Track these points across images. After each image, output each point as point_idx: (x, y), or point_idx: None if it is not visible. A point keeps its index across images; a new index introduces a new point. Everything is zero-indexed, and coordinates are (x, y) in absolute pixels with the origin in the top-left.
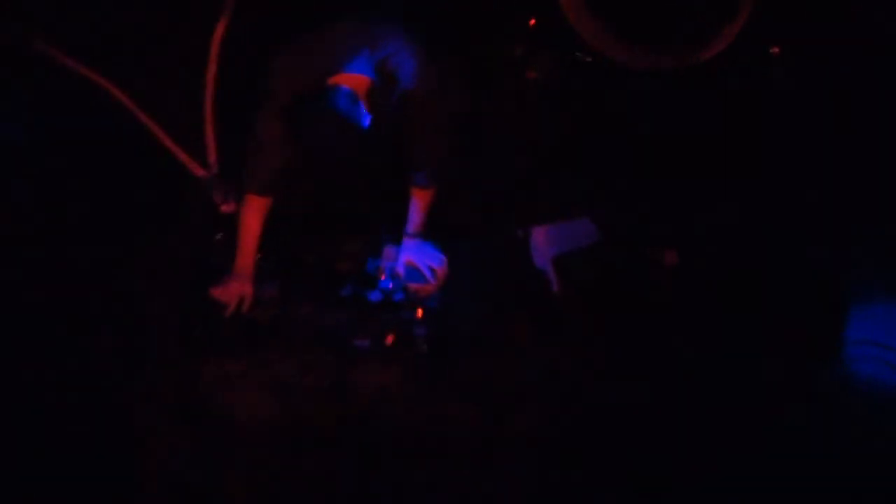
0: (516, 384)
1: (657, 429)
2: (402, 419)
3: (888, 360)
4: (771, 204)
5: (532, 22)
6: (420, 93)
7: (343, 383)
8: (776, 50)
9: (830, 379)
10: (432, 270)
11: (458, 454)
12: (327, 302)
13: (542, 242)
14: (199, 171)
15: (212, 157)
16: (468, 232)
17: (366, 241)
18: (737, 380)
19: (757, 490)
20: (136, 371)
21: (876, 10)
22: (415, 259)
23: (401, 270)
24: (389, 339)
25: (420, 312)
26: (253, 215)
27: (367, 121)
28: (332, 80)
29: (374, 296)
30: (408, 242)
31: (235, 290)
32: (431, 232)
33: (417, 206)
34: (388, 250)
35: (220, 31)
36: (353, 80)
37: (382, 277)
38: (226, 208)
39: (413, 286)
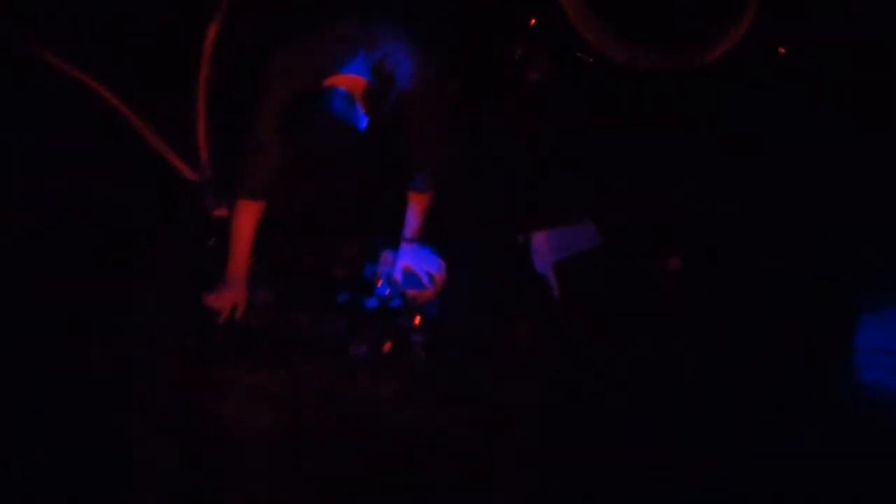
0: (516, 392)
1: (659, 436)
2: (400, 428)
3: None
4: (778, 207)
5: (532, 22)
6: (418, 94)
7: (339, 392)
8: (782, 50)
9: (840, 387)
10: (430, 276)
11: (457, 463)
12: (323, 309)
13: (543, 247)
14: (192, 175)
15: (204, 160)
16: (467, 237)
17: (362, 245)
18: (742, 388)
19: (761, 498)
20: (128, 379)
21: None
22: (412, 264)
23: (398, 276)
24: (387, 347)
25: (418, 319)
26: (246, 220)
27: (363, 123)
28: (328, 82)
29: (371, 302)
30: (405, 247)
31: (229, 297)
32: (429, 237)
33: (415, 211)
34: (386, 255)
35: (212, 32)
36: (349, 81)
37: (379, 283)
38: (218, 213)
39: (411, 292)
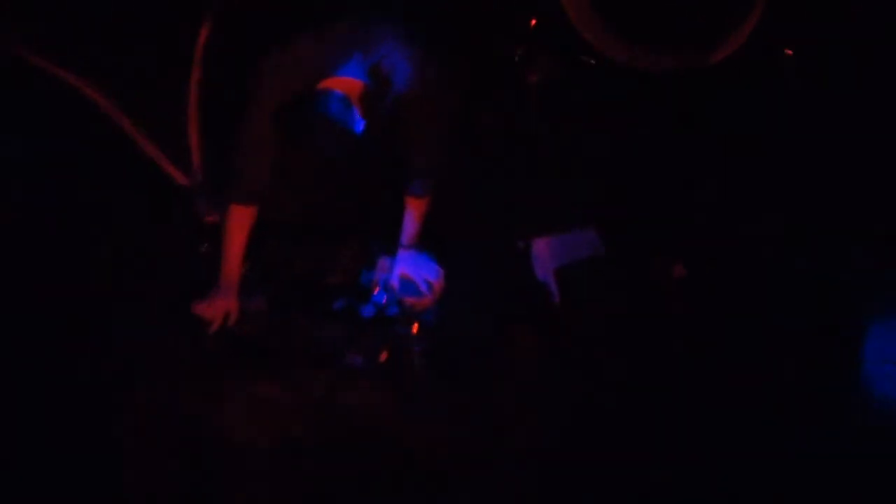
0: (516, 401)
1: (663, 445)
2: (397, 439)
3: None
4: (782, 211)
5: (533, 23)
6: (416, 97)
7: (334, 403)
8: (789, 52)
9: (847, 399)
10: (428, 283)
11: (457, 471)
12: (318, 317)
13: (544, 254)
14: (183, 180)
15: (196, 165)
16: (466, 243)
17: (358, 252)
18: (747, 399)
19: None
20: (119, 388)
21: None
22: (410, 271)
23: (395, 283)
24: (383, 356)
25: (416, 328)
26: (238, 226)
27: (360, 127)
28: (324, 84)
29: (368, 310)
30: (403, 254)
31: (220, 305)
32: (427, 243)
33: (413, 216)
34: (382, 262)
35: (204, 33)
36: (345, 83)
37: (376, 291)
38: (210, 218)
39: (408, 300)
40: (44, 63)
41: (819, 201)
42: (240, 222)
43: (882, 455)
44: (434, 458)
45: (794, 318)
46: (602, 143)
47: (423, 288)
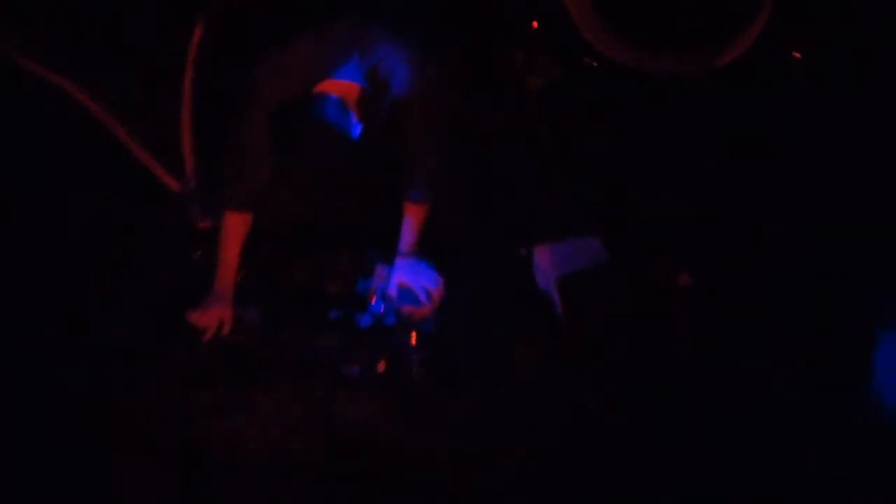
0: (517, 412)
1: (666, 457)
2: (394, 452)
3: None
4: (792, 217)
5: (534, 24)
6: (414, 101)
7: (331, 414)
8: (797, 55)
9: (858, 410)
10: (427, 292)
11: (455, 484)
12: (314, 326)
13: (546, 262)
14: (176, 186)
15: (189, 170)
16: (466, 250)
17: (356, 259)
18: (754, 412)
19: None
20: (110, 399)
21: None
22: (408, 280)
23: (393, 292)
24: (381, 366)
25: (414, 337)
26: (233, 233)
27: (357, 131)
28: (320, 88)
29: (365, 319)
30: (401, 262)
31: (215, 313)
32: (426, 250)
33: (411, 223)
34: (380, 270)
35: (197, 35)
36: (341, 87)
37: (373, 299)
38: (204, 225)
39: (406, 309)
40: (36, 67)
41: (828, 206)
42: (235, 229)
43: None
44: (434, 469)
45: (803, 327)
46: (605, 147)
47: (421, 297)
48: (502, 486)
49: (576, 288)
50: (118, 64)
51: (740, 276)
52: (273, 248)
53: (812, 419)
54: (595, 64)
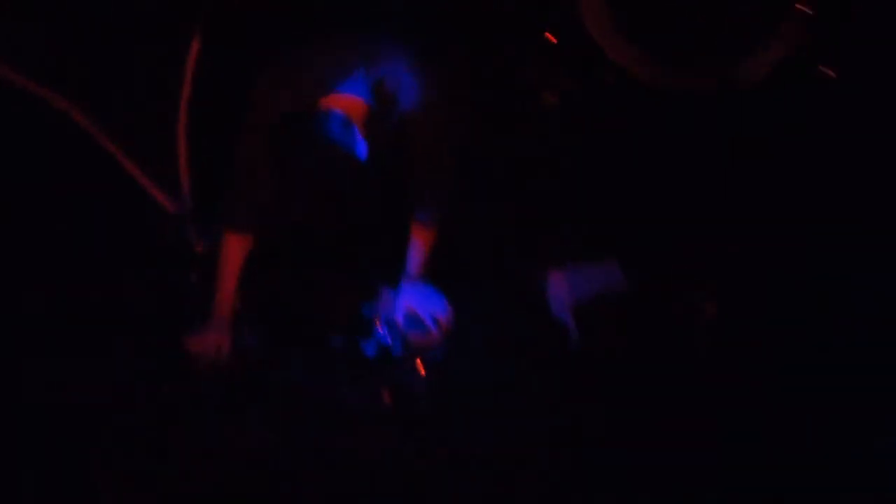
0: (529, 447)
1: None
2: (400, 487)
3: None
4: (831, 247)
5: (549, 37)
6: (423, 118)
7: (334, 447)
8: (831, 73)
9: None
10: (435, 319)
11: None
12: (315, 354)
13: (561, 289)
14: (173, 206)
15: (186, 189)
16: (477, 276)
17: (360, 285)
18: (784, 453)
19: None
20: (97, 431)
21: None
22: (415, 306)
23: (399, 319)
24: (386, 398)
25: (421, 367)
26: (231, 255)
27: (362, 149)
28: (323, 103)
29: (369, 348)
30: (408, 287)
31: (212, 340)
32: (434, 275)
33: (419, 246)
34: (386, 296)
35: (195, 50)
36: (346, 102)
37: (378, 327)
38: (201, 247)
39: (413, 337)
40: (29, 84)
41: (870, 235)
42: (234, 251)
43: None
44: None
45: (840, 364)
46: (625, 167)
47: (429, 324)
48: None
49: (592, 316)
50: (113, 79)
51: (771, 309)
52: (273, 271)
53: (850, 473)
54: (613, 79)
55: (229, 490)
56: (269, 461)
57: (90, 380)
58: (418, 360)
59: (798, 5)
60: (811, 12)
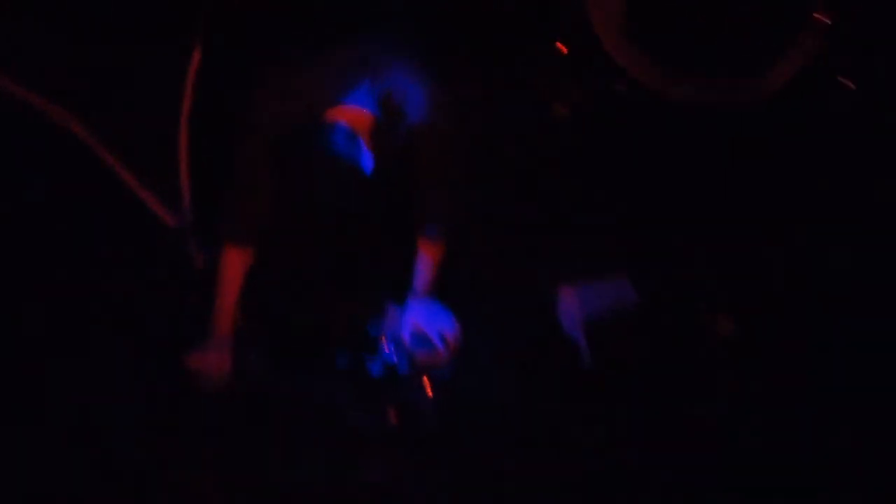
0: (538, 473)
1: None
2: None
3: None
4: (851, 260)
5: (560, 47)
6: (431, 130)
7: (338, 469)
8: (851, 84)
9: None
10: (443, 337)
11: None
12: (319, 373)
13: (572, 305)
14: (172, 220)
15: (186, 202)
16: (485, 292)
17: (365, 302)
18: (801, 472)
19: None
20: (92, 454)
21: None
22: (423, 324)
23: (406, 337)
24: (392, 418)
25: (428, 386)
26: (232, 270)
27: (368, 162)
28: (329, 116)
29: (375, 367)
30: (415, 304)
31: (213, 359)
32: (442, 292)
33: (426, 262)
34: (392, 313)
35: (195, 59)
36: (352, 114)
37: (384, 345)
38: (201, 262)
39: (420, 356)
40: (26, 94)
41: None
42: (234, 266)
43: None
44: None
45: (860, 383)
46: (637, 179)
47: (436, 342)
48: None
49: (604, 333)
50: (112, 90)
51: (791, 326)
52: (276, 286)
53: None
54: (625, 90)
55: None
56: (272, 482)
57: (88, 397)
58: (425, 379)
59: (817, 15)
60: (828, 21)
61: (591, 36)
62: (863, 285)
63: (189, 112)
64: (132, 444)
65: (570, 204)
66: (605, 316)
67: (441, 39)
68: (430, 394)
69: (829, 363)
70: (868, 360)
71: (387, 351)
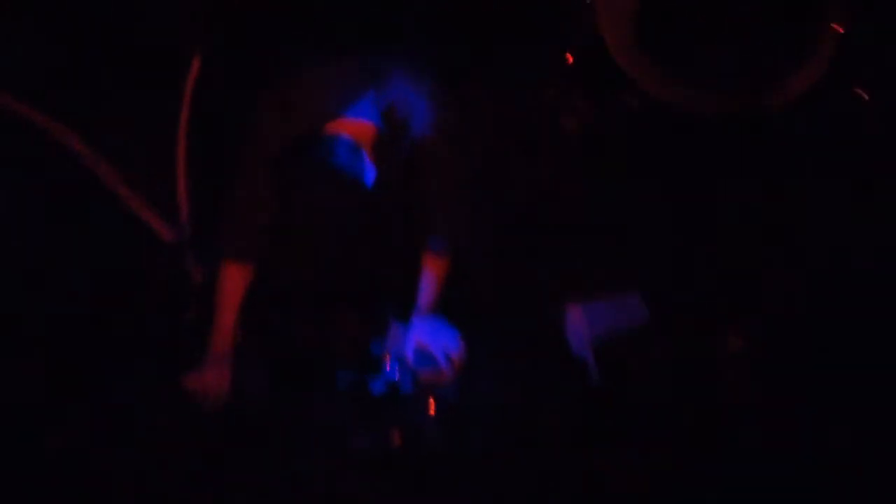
0: (544, 493)
1: None
2: None
3: None
4: (865, 276)
5: (568, 59)
6: (436, 143)
7: (339, 493)
8: (865, 95)
9: None
10: (447, 355)
11: None
12: (321, 393)
13: (580, 323)
14: (169, 234)
15: (184, 215)
16: (491, 309)
17: (368, 318)
18: (812, 492)
19: None
20: (89, 475)
21: None
22: (427, 341)
23: (410, 355)
24: (396, 439)
25: (432, 406)
26: (231, 286)
27: (371, 176)
28: (331, 128)
29: (378, 386)
30: (419, 321)
31: (211, 378)
32: (447, 309)
33: (431, 278)
34: (395, 330)
35: (194, 68)
36: (355, 127)
37: (387, 363)
38: (199, 278)
39: (424, 374)
40: (19, 107)
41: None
42: (234, 282)
43: None
44: None
45: (880, 403)
46: (647, 194)
47: (441, 360)
48: None
49: (613, 351)
50: (106, 100)
51: (805, 343)
52: (276, 304)
53: None
54: (636, 103)
55: None
56: None
57: (81, 417)
58: (430, 398)
59: (834, 25)
60: (842, 31)
61: (601, 47)
62: (871, 305)
63: (187, 122)
64: (127, 466)
65: (578, 220)
66: (613, 334)
67: (447, 50)
68: (434, 414)
69: (834, 378)
70: (876, 373)
71: (390, 370)
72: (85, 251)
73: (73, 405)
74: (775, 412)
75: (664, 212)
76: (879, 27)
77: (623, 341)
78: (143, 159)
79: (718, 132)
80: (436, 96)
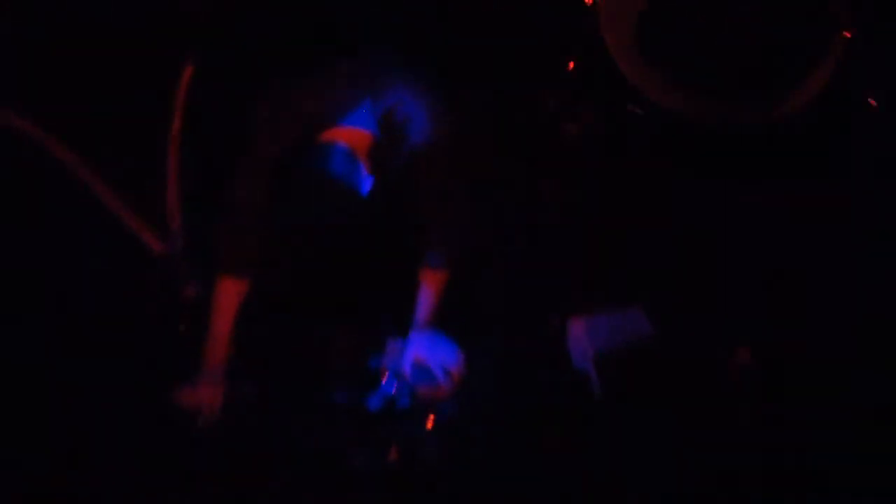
0: None
1: None
2: None
3: None
4: (876, 289)
5: (571, 65)
6: (433, 152)
7: None
8: (873, 102)
9: None
10: (445, 370)
11: None
12: (316, 409)
13: (582, 337)
14: (160, 247)
15: (175, 227)
16: (490, 323)
17: (364, 333)
18: None
19: None
20: (79, 491)
21: None
22: (425, 356)
23: (407, 370)
24: (393, 456)
25: (430, 422)
26: (226, 301)
27: (367, 185)
28: (326, 136)
29: (375, 402)
30: (417, 335)
31: (204, 394)
32: (445, 323)
33: (429, 292)
34: (392, 345)
35: (186, 76)
36: (351, 135)
37: (385, 379)
38: (191, 292)
39: (422, 390)
40: (26, 127)
41: None
42: (228, 297)
43: None
44: None
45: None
46: (651, 204)
47: (439, 375)
48: None
49: (615, 366)
50: (95, 110)
51: (814, 358)
52: (270, 319)
53: None
54: (639, 110)
55: None
56: None
57: (74, 432)
58: (428, 414)
59: (845, 32)
60: (850, 36)
61: (603, 53)
62: (878, 318)
63: (179, 131)
64: (119, 484)
65: (580, 231)
66: (616, 348)
67: (446, 57)
68: (432, 429)
69: (842, 391)
70: (884, 384)
71: (387, 384)
72: (75, 261)
73: (61, 419)
74: (779, 422)
75: (669, 222)
76: (880, 27)
77: (625, 355)
78: (133, 168)
79: (725, 141)
80: (434, 104)
